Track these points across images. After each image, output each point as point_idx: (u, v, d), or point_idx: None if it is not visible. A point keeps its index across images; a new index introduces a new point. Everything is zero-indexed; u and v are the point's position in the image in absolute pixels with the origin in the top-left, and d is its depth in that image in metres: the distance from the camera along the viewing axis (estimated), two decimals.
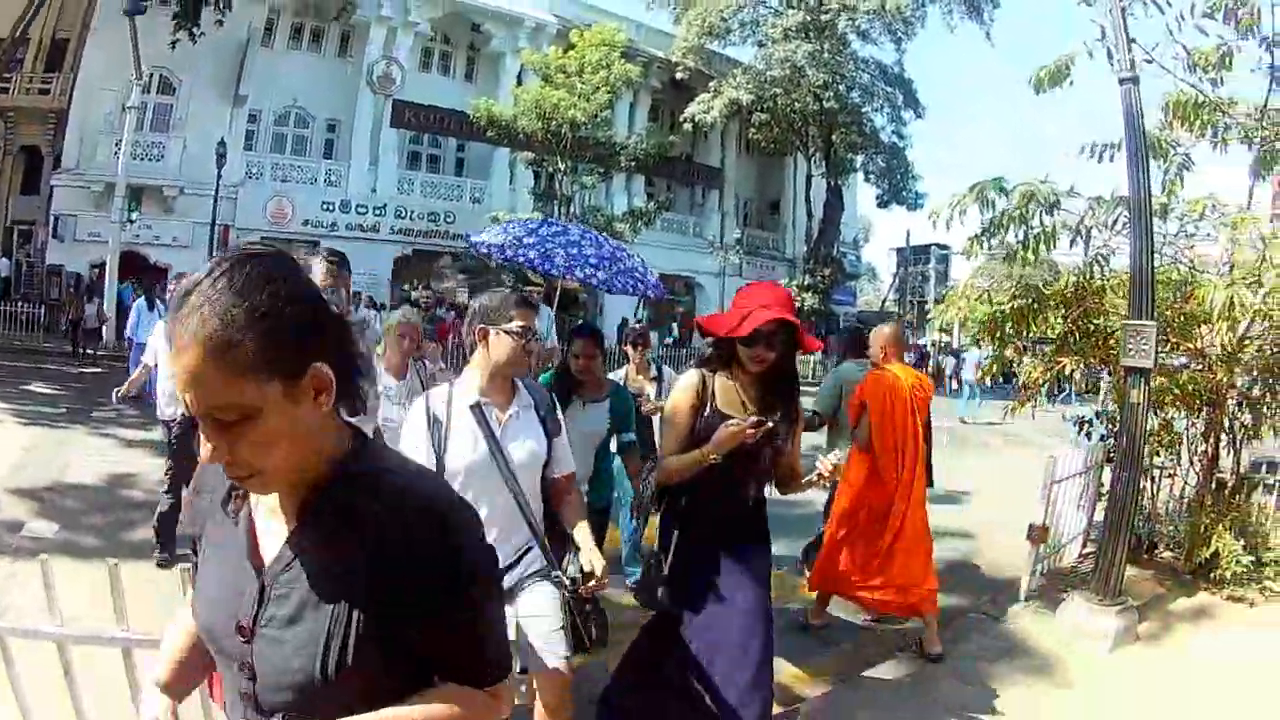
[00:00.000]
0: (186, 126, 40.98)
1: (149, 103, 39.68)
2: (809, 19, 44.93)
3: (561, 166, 41.68)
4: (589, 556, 5.09)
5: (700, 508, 5.38)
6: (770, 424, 5.10)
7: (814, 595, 9.30)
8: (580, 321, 17.85)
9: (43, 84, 40.12)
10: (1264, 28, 10.83)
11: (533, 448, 5.14)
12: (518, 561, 5.11)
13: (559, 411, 5.50)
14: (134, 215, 35.66)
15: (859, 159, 51.44)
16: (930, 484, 9.18)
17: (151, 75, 38.12)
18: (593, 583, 5.06)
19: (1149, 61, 10.53)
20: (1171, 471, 11.68)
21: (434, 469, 4.80)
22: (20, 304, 34.31)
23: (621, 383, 9.21)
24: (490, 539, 2.89)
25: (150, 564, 9.83)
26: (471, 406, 5.04)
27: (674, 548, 5.41)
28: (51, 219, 38.19)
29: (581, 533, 5.20)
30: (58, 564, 8.56)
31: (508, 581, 4.96)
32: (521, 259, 14.48)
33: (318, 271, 6.95)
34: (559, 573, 5.13)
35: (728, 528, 5.41)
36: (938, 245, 62.31)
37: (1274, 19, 10.75)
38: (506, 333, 5.02)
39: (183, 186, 39.42)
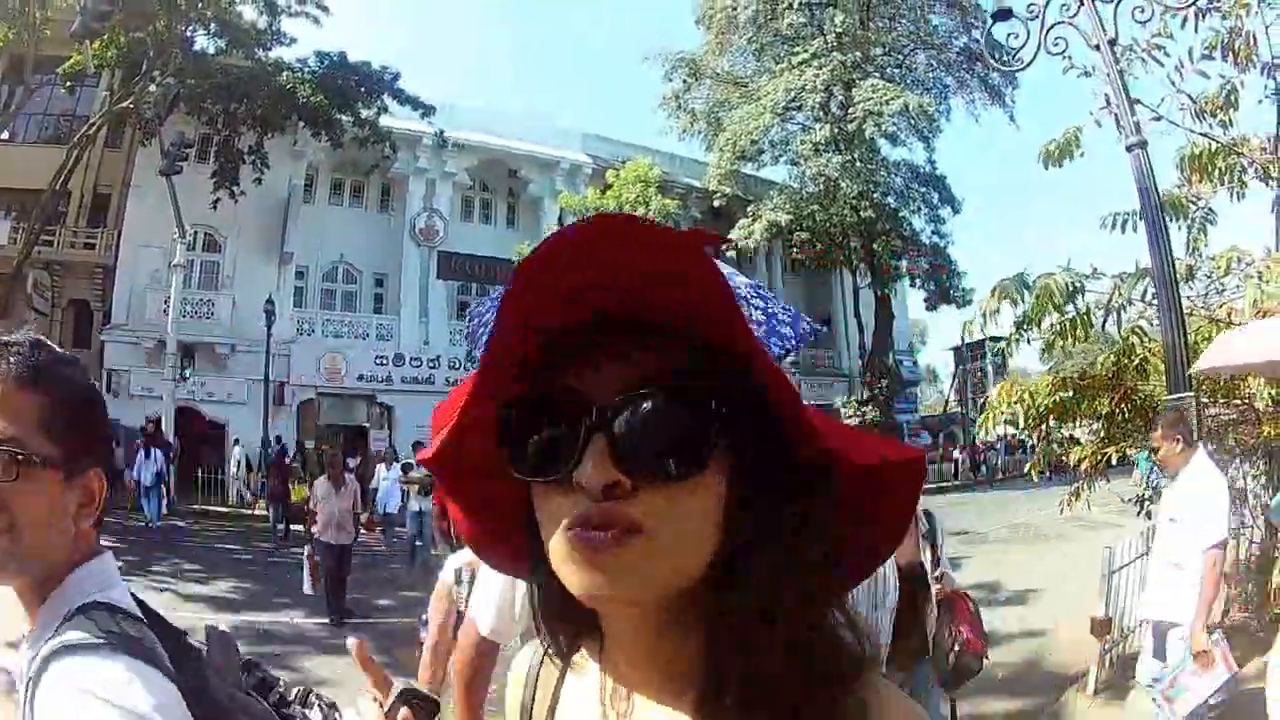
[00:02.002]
0: (234, 284, 41.53)
1: (195, 260, 40.47)
2: (837, 130, 45.08)
3: None
4: None
5: None
6: None
7: None
8: None
9: (87, 238, 40.80)
10: (1262, 54, 10.85)
11: None
12: None
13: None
14: (188, 373, 36.08)
15: (903, 264, 50.77)
16: None
17: (195, 233, 38.73)
18: None
19: (1156, 119, 10.57)
20: (1238, 532, 11.54)
21: None
22: None
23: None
24: None
25: None
26: None
27: None
28: (104, 374, 38.30)
29: None
30: None
31: None
32: None
33: None
34: None
35: None
36: (991, 339, 61.55)
37: (1270, 42, 10.78)
38: None
39: (234, 344, 39.74)
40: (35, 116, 41.36)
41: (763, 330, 6.57)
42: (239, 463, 35.72)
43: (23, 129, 40.98)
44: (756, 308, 5.97)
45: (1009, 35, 10.66)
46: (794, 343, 6.74)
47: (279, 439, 37.60)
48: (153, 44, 35.14)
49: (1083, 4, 10.26)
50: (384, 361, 43.89)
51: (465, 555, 4.95)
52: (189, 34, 37.56)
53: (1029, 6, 10.68)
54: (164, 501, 28.36)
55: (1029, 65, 10.76)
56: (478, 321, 6.82)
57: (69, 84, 36.86)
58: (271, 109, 37.90)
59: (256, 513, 32.82)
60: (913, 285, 53.36)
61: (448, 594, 4.89)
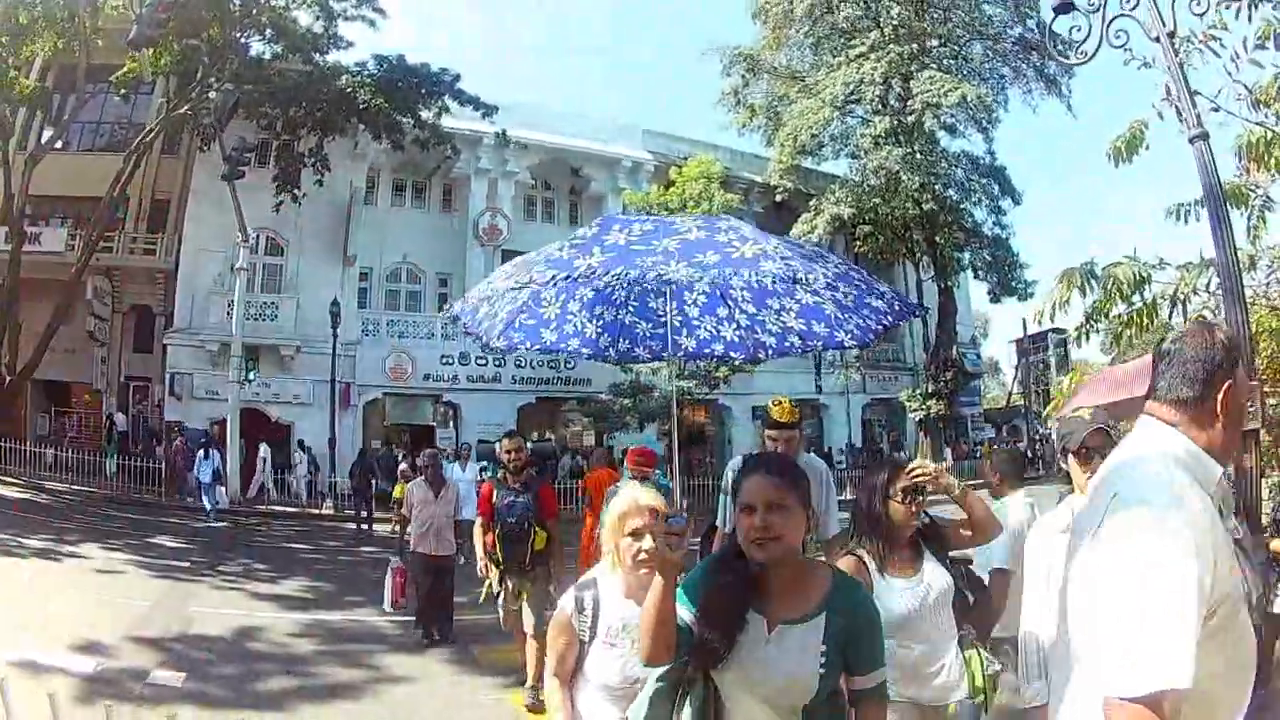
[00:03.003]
0: (298, 286, 42.00)
1: (258, 263, 41.05)
2: (896, 123, 45.14)
3: None
4: None
5: None
6: None
7: None
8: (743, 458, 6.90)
9: (147, 244, 41.55)
10: None
11: None
12: None
13: None
14: (252, 375, 36.46)
15: (965, 256, 50.87)
16: None
17: (258, 236, 39.27)
18: None
19: (1215, 109, 10.54)
20: None
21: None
22: (141, 459, 35.10)
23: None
24: None
25: (284, 714, 10.08)
26: None
27: None
28: (167, 376, 39.12)
29: None
30: (185, 714, 8.54)
31: None
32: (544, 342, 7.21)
33: None
34: None
35: None
36: (1054, 331, 60.89)
37: None
38: None
39: (299, 345, 40.17)
40: (88, 125, 42.07)
41: (851, 299, 5.98)
42: (264, 460, 36.64)
43: (76, 137, 41.62)
44: (851, 280, 5.66)
45: (1071, 28, 10.65)
46: (890, 319, 6.22)
47: (386, 443, 39.23)
48: (207, 51, 35.57)
49: None
50: (450, 361, 44.10)
51: (586, 582, 4.96)
52: (244, 40, 38.07)
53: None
54: (218, 497, 31.06)
55: (1092, 58, 10.71)
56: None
57: (123, 92, 37.34)
58: (331, 112, 38.47)
59: (323, 512, 33.36)
60: (975, 278, 52.89)
61: (568, 623, 4.82)
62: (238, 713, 9.82)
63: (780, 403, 7.50)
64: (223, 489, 32.28)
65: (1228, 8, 10.70)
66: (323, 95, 38.11)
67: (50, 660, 10.70)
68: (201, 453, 31.07)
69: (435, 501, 13.98)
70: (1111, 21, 10.16)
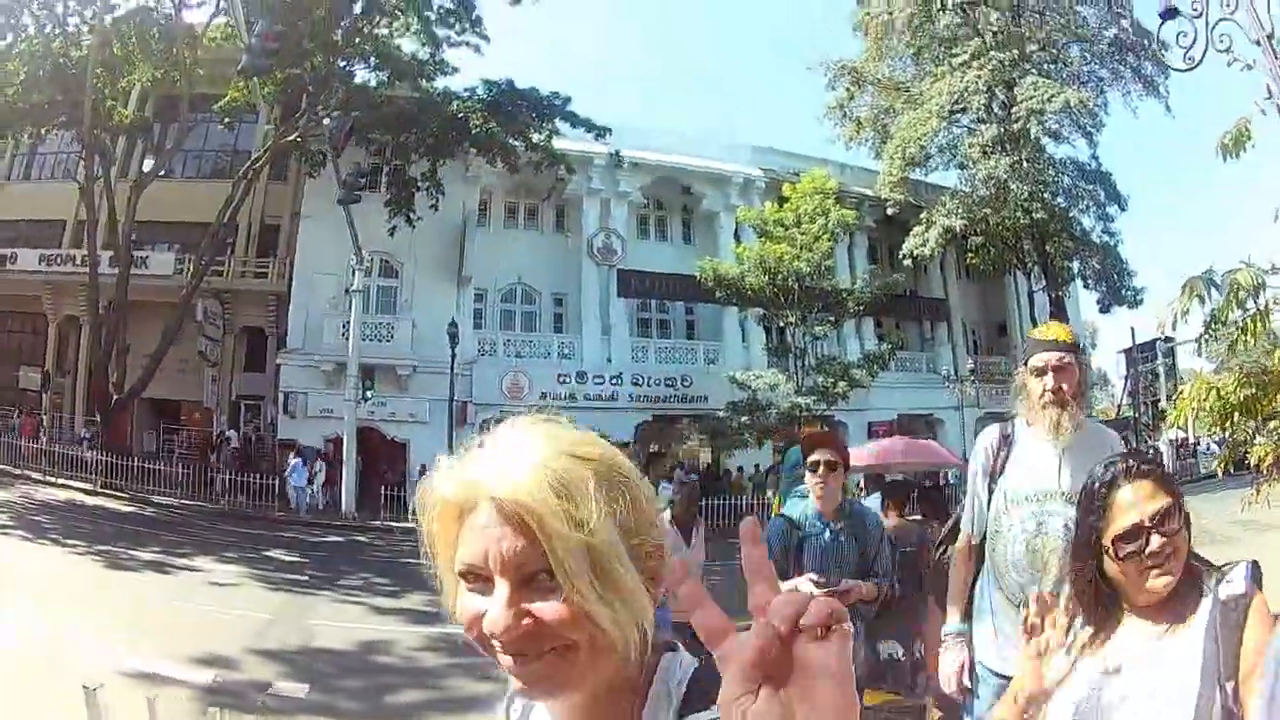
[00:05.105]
0: (413, 307, 42.44)
1: (372, 285, 41.49)
2: (1002, 130, 44.92)
3: (791, 319, 41.97)
4: None
5: None
6: None
7: None
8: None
9: (258, 268, 42.80)
10: None
11: None
12: None
13: None
14: (369, 395, 36.90)
15: (1075, 265, 50.33)
16: None
17: (371, 259, 39.59)
18: None
19: None
20: None
21: None
22: (254, 475, 35.86)
23: None
24: None
25: None
26: None
27: None
28: (281, 395, 39.84)
29: None
30: None
31: None
32: None
33: None
34: None
35: None
36: (1162, 339, 59.76)
37: None
38: None
39: (415, 365, 40.45)
40: (192, 152, 43.53)
41: None
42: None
43: (179, 165, 42.91)
44: None
45: (1178, 34, 10.67)
46: None
47: None
48: (310, 80, 36.17)
49: None
50: (567, 380, 44.11)
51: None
52: (348, 69, 38.95)
53: (1192, 4, 10.64)
54: (310, 497, 35.40)
55: (1200, 64, 10.72)
56: None
57: (226, 120, 38.67)
58: (442, 137, 38.93)
59: None
60: (1085, 287, 52.54)
61: None
62: None
63: (1050, 325, 5.26)
64: (313, 488, 35.31)
65: None
66: (433, 121, 38.53)
67: (166, 671, 10.71)
68: (298, 460, 34.32)
69: (688, 549, 10.13)
70: (1215, 26, 10.18)
